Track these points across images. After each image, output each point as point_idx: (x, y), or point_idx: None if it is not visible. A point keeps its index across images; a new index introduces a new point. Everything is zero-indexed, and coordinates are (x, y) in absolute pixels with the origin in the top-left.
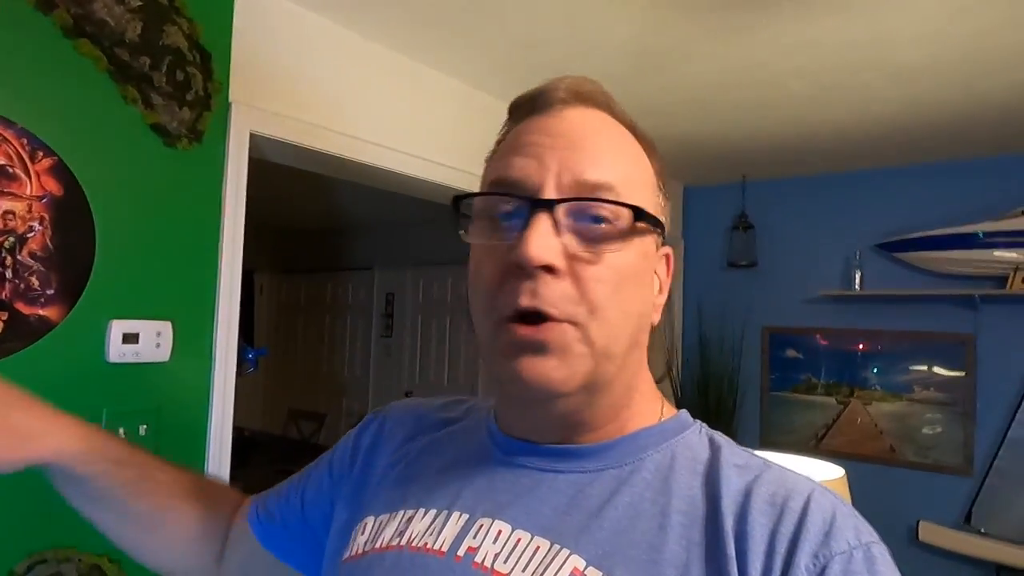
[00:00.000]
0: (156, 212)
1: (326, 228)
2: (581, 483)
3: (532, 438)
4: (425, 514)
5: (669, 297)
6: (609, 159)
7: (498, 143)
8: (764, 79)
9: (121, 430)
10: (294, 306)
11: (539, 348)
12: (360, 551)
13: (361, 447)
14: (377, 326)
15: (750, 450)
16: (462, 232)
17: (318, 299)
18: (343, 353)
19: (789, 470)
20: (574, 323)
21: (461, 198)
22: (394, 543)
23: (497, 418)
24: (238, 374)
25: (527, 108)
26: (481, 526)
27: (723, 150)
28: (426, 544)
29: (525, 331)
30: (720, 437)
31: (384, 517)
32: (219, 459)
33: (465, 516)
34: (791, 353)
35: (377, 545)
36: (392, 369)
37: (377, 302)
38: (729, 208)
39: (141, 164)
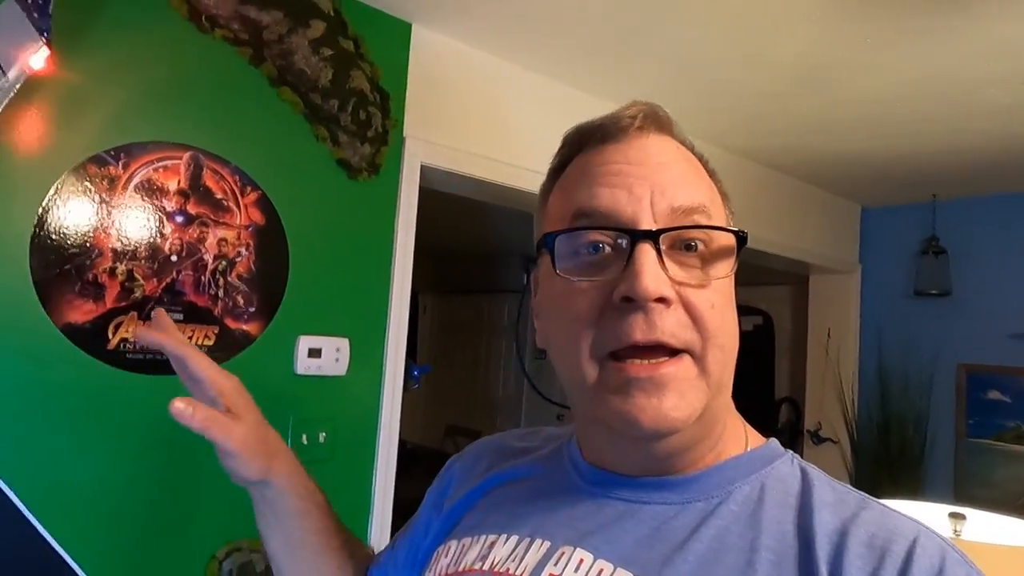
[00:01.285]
0: (338, 238)
1: (483, 251)
2: (666, 515)
3: (619, 469)
4: (507, 540)
5: (842, 328)
6: (694, 183)
7: (555, 171)
8: (955, 88)
9: (304, 436)
10: (453, 326)
11: (657, 385)
12: (443, 573)
13: (446, 486)
14: (531, 346)
15: (847, 485)
16: (555, 268)
17: (475, 319)
18: (497, 372)
19: (892, 509)
20: (692, 353)
21: (556, 235)
22: (476, 567)
23: (581, 447)
24: (404, 389)
25: (599, 136)
26: (563, 554)
27: (908, 167)
28: (508, 570)
29: (640, 368)
30: (814, 469)
31: (466, 541)
32: (385, 468)
33: (547, 544)
34: (994, 395)
35: (460, 568)
36: (546, 390)
37: (531, 323)
38: (916, 231)
39: (328, 196)
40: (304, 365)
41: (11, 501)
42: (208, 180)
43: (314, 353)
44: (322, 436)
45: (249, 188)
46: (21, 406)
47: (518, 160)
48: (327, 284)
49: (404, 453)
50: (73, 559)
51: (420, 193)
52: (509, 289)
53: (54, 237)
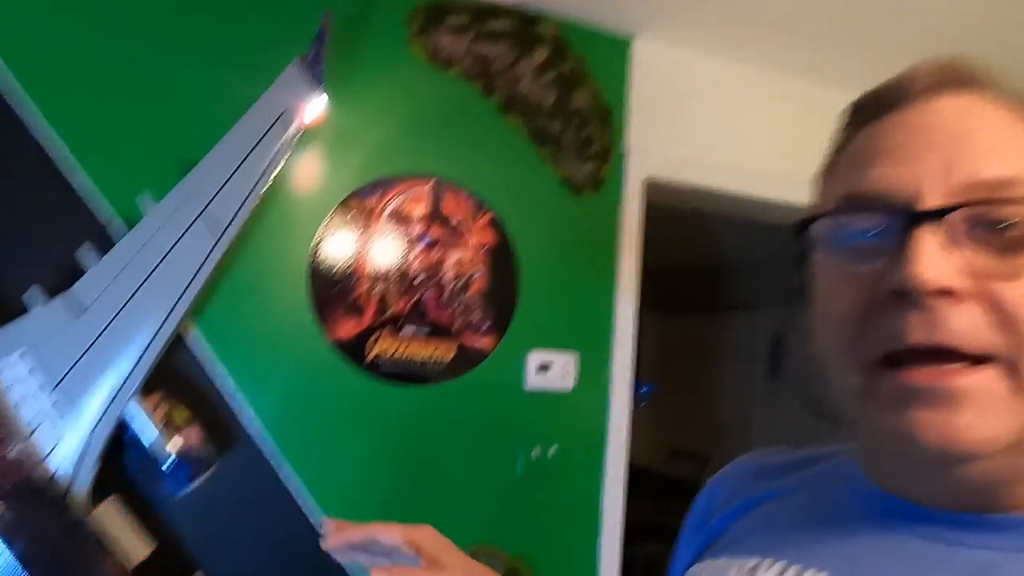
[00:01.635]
0: (565, 254)
1: (707, 268)
2: (989, 562)
3: (915, 497)
4: (772, 566)
5: None
6: (1008, 150)
7: (834, 154)
8: None
9: (534, 451)
10: (674, 345)
11: (945, 398)
12: None
13: (705, 507)
14: (762, 368)
15: None
16: (814, 259)
17: (698, 339)
18: (724, 395)
19: None
20: (1000, 362)
21: (811, 220)
22: None
23: (864, 465)
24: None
25: (876, 107)
26: None
27: None
28: None
29: (921, 376)
30: None
31: (725, 562)
32: (614, 489)
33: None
34: None
35: None
36: (778, 414)
37: (761, 343)
38: None
39: (553, 213)
40: (533, 381)
41: (300, 506)
42: (447, 206)
43: (543, 368)
44: (551, 451)
45: (482, 211)
46: (300, 409)
47: (751, 165)
48: (555, 300)
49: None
50: None
51: (646, 208)
52: (738, 307)
53: (325, 263)
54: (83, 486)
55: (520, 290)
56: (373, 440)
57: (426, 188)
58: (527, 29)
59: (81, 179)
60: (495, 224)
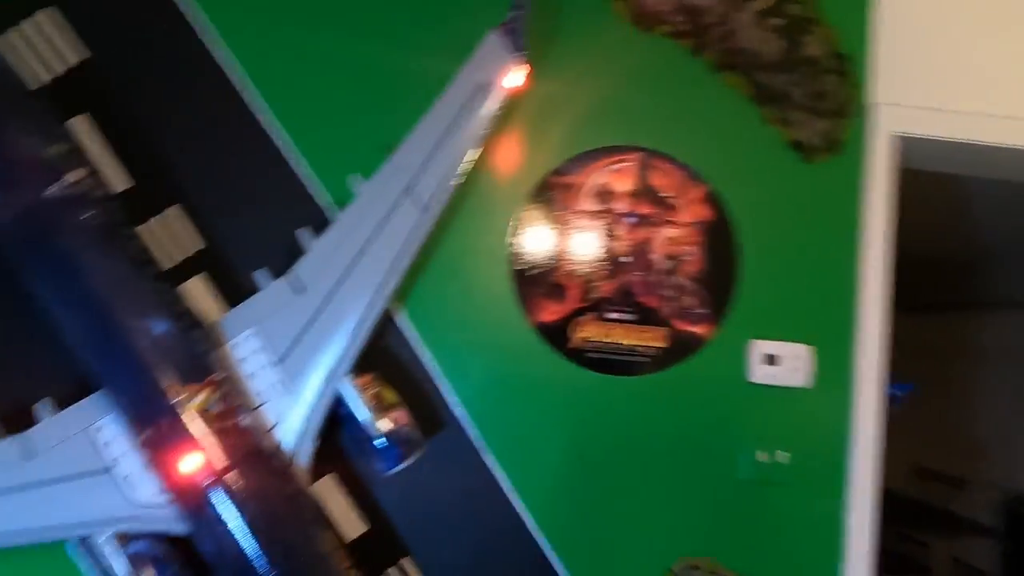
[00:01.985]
0: (793, 230)
1: (961, 257)
2: None
3: None
4: None
5: None
6: None
7: None
8: None
9: (763, 453)
10: (917, 347)
11: None
12: None
13: None
14: None
15: None
16: None
17: (949, 340)
18: (981, 406)
19: None
20: None
21: None
22: None
23: None
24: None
25: None
26: None
27: None
28: None
29: None
30: None
31: None
32: (861, 507)
33: None
34: None
35: None
36: None
37: None
38: None
39: (779, 182)
40: (759, 373)
41: (506, 494)
42: (655, 179)
43: (770, 360)
44: (783, 455)
45: (695, 183)
46: (502, 396)
47: None
48: (782, 283)
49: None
50: (548, 542)
51: (892, 172)
52: (995, 303)
53: (526, 244)
54: (304, 460)
55: (741, 272)
56: (576, 431)
57: (633, 161)
58: None
59: (301, 166)
60: (711, 198)
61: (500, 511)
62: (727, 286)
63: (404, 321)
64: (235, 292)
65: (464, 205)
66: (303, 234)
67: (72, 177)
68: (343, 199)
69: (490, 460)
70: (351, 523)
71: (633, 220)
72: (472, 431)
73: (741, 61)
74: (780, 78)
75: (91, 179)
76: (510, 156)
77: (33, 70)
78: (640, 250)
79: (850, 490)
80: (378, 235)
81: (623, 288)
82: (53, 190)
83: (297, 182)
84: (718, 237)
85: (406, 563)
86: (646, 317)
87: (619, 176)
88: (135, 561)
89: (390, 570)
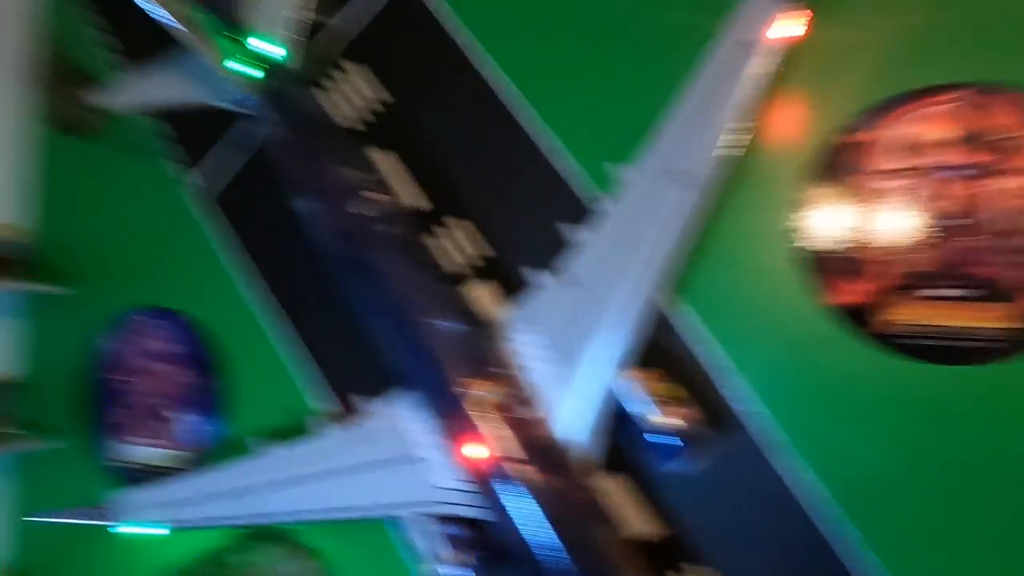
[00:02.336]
0: None
1: None
2: None
3: None
4: None
5: None
6: None
7: None
8: None
9: None
10: None
11: None
12: None
13: None
14: None
15: None
16: None
17: None
18: None
19: None
20: None
21: None
22: None
23: None
24: None
25: None
26: None
27: None
28: None
29: None
30: None
31: None
32: None
33: None
34: None
35: None
36: None
37: None
38: None
39: None
40: None
41: (802, 492)
42: (982, 120)
43: None
44: None
45: None
46: (797, 388)
47: None
48: None
49: None
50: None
51: None
52: None
53: (814, 218)
54: (587, 453)
55: None
56: (896, 429)
57: (952, 102)
58: None
59: (563, 162)
60: None
61: (799, 517)
62: None
63: (684, 314)
64: (511, 291)
65: (739, 182)
66: (571, 229)
67: (375, 198)
68: (607, 189)
69: (787, 461)
70: (639, 524)
71: (955, 173)
72: (765, 429)
73: None
74: None
75: (390, 199)
76: (787, 120)
77: (343, 112)
78: (967, 210)
79: None
80: (649, 222)
81: (947, 259)
82: (363, 209)
83: (560, 180)
84: None
85: (697, 568)
86: (983, 292)
87: (933, 123)
88: (447, 542)
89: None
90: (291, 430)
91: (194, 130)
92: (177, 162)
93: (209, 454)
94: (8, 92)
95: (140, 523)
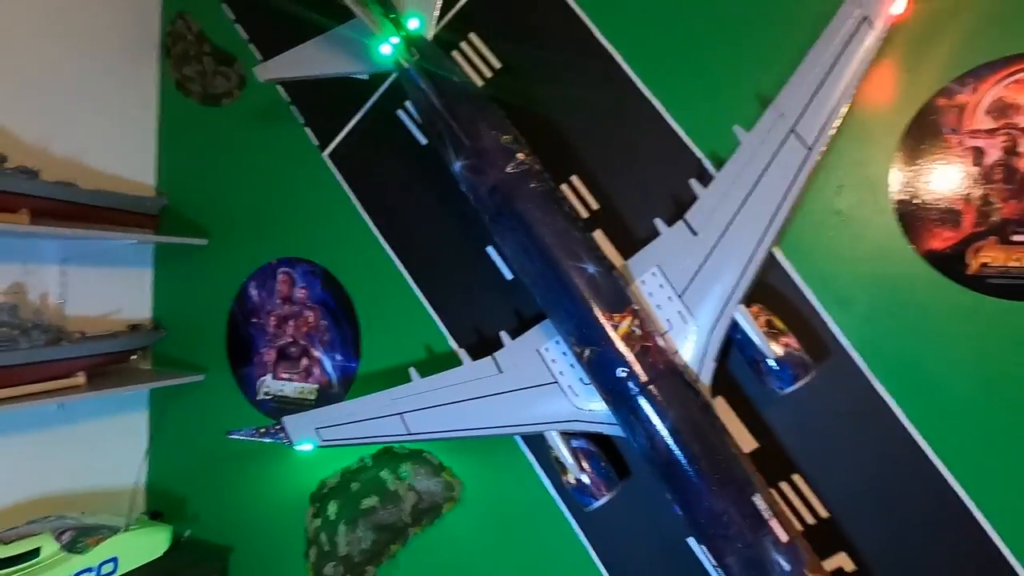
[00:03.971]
0: None
1: None
2: None
3: None
4: None
5: None
6: None
7: None
8: None
9: None
10: None
11: None
12: None
13: None
14: None
15: None
16: None
17: None
18: None
19: None
20: None
21: None
22: None
23: None
24: None
25: None
26: None
27: None
28: None
29: None
30: None
31: None
32: None
33: None
34: None
35: None
36: None
37: None
38: None
39: None
40: None
41: (900, 422)
42: None
43: None
44: None
45: None
46: (891, 326)
47: None
48: None
49: None
50: (957, 479)
51: None
52: None
53: (911, 170)
54: (706, 376)
55: None
56: (985, 364)
57: None
58: None
59: (681, 124)
60: None
61: (892, 436)
62: None
63: (784, 257)
64: (631, 240)
65: (845, 140)
66: (693, 184)
67: (521, 157)
68: (723, 150)
69: (880, 387)
70: (744, 440)
71: None
72: (860, 359)
73: None
74: None
75: (532, 157)
76: (889, 84)
77: (472, 78)
78: None
79: None
80: (764, 177)
81: None
82: (511, 167)
83: (678, 139)
84: None
85: (797, 479)
86: None
87: (1020, 85)
88: (576, 454)
89: (782, 484)
90: (423, 364)
91: (321, 98)
92: (305, 126)
93: (342, 388)
94: (146, 64)
95: (302, 440)
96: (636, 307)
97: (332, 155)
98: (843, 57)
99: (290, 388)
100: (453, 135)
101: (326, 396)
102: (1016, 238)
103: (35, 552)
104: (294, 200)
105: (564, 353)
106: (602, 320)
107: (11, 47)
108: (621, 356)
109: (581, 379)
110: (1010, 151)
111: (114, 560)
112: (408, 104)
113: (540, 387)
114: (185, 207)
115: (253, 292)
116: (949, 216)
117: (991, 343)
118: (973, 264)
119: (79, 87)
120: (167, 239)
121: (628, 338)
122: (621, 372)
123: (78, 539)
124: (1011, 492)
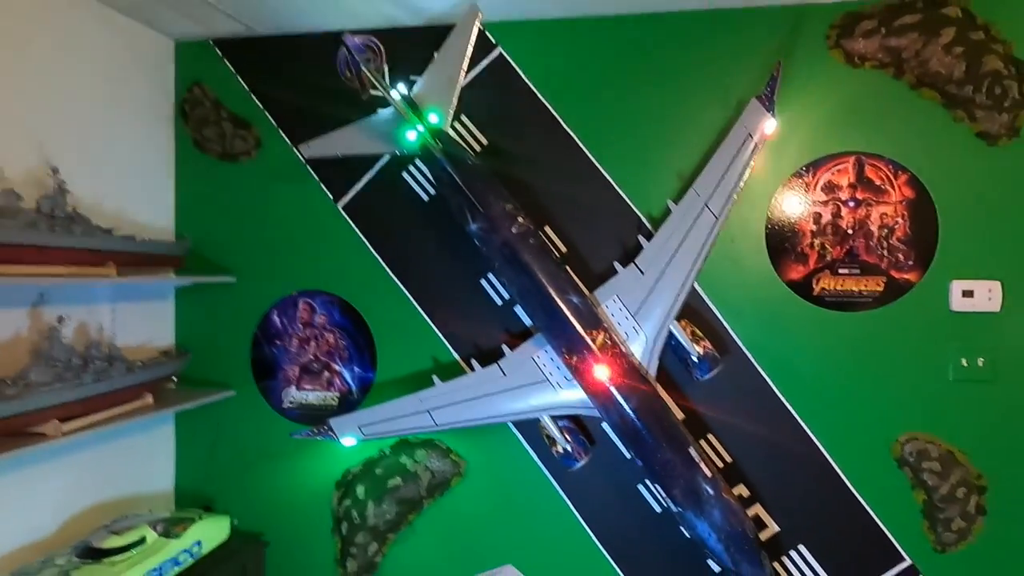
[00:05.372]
0: (983, 198)
1: None
2: None
3: None
4: None
5: None
6: None
7: None
8: None
9: (964, 360)
10: None
11: None
12: None
13: None
14: None
15: None
16: None
17: None
18: None
19: None
20: None
21: None
22: None
23: None
24: None
25: None
26: None
27: None
28: None
29: None
30: None
31: None
32: None
33: None
34: None
35: None
36: None
37: None
38: None
39: (969, 165)
40: (958, 304)
41: (775, 394)
42: (869, 172)
43: (967, 294)
44: (980, 361)
45: (900, 172)
46: (769, 332)
47: None
48: (975, 238)
49: None
50: (808, 427)
51: None
52: None
53: (777, 226)
54: (652, 372)
55: (940, 232)
56: (824, 352)
57: (850, 162)
58: (933, 14)
59: (625, 191)
60: (913, 181)
61: (771, 404)
62: (930, 244)
63: (700, 288)
64: (591, 275)
65: (734, 207)
66: (640, 238)
67: (521, 220)
68: (655, 213)
69: (763, 372)
70: (677, 411)
71: (854, 203)
72: (749, 354)
73: (934, 81)
74: (965, 89)
75: (528, 220)
76: (764, 170)
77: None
78: (861, 224)
79: None
80: (688, 236)
81: (850, 251)
82: (515, 229)
83: (623, 201)
84: (920, 209)
85: (711, 437)
86: (868, 270)
87: (840, 173)
88: (562, 430)
89: (702, 441)
90: (431, 372)
91: (332, 161)
92: (320, 183)
93: (361, 394)
94: (164, 126)
95: (346, 435)
96: (605, 325)
97: (346, 207)
98: (737, 158)
99: (313, 396)
100: (470, 204)
101: (347, 402)
102: (842, 271)
103: (142, 540)
104: (311, 243)
105: (552, 359)
106: (585, 336)
107: (56, 120)
108: (599, 360)
109: (565, 377)
110: (836, 215)
111: (199, 543)
112: (411, 168)
113: (534, 384)
114: (205, 248)
115: (276, 319)
116: (800, 257)
117: (827, 339)
118: (816, 288)
119: (104, 151)
120: (203, 279)
121: (603, 347)
122: (600, 371)
123: (169, 528)
124: (842, 431)
